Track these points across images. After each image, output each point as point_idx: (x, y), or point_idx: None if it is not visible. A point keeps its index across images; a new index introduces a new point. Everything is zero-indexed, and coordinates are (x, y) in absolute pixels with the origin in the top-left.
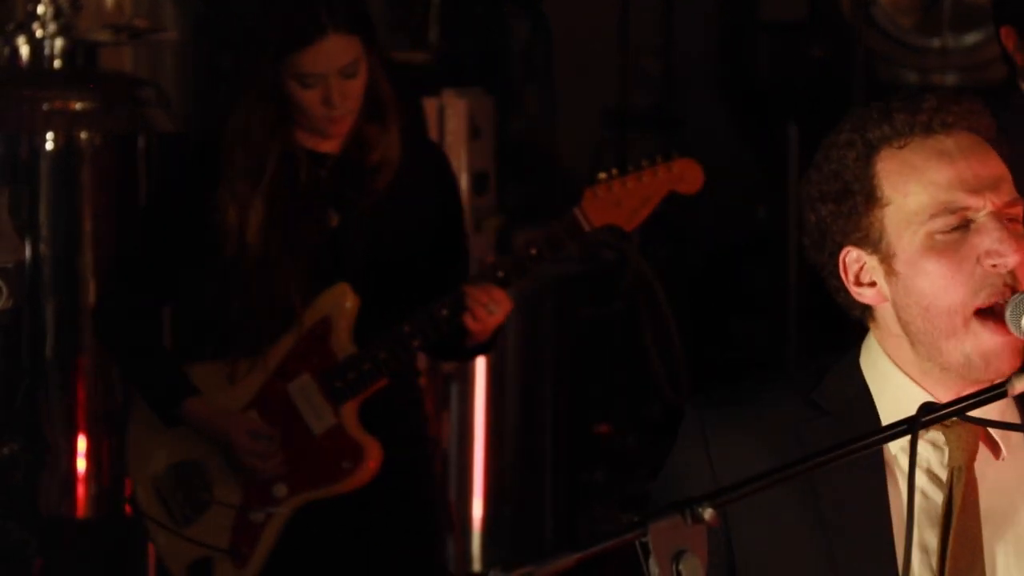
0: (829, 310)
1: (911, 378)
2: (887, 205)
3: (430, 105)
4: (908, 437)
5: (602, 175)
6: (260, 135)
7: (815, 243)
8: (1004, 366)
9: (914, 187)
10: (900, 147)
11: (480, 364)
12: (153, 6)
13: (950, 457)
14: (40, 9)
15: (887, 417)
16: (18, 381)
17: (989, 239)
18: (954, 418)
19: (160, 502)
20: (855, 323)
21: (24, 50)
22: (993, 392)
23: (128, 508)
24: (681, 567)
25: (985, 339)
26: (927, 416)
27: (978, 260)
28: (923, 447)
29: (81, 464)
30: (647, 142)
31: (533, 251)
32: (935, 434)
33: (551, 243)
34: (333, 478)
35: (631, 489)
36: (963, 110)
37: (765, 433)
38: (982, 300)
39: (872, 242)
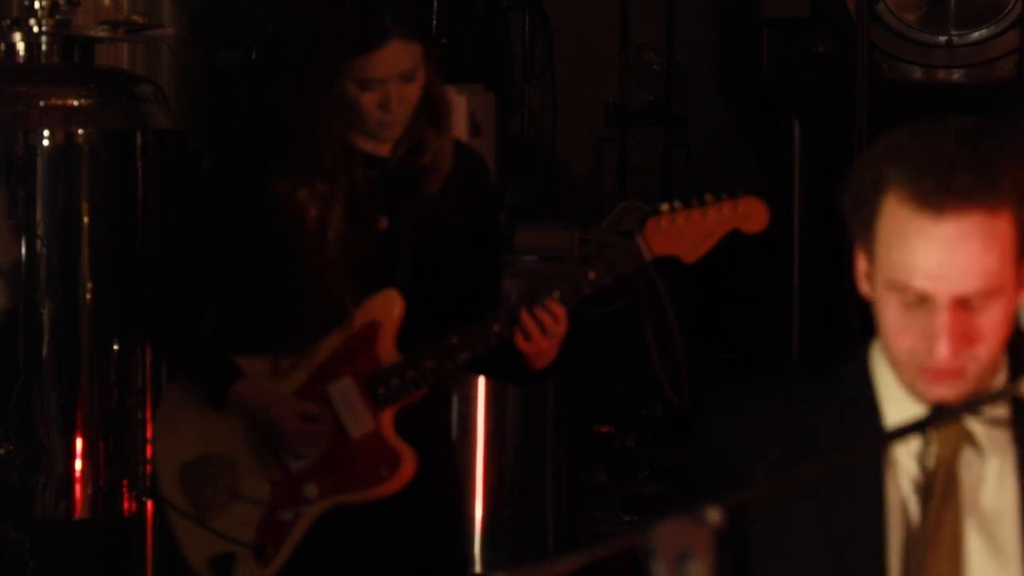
0: (832, 307)
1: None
2: (877, 239)
3: None
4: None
5: (665, 206)
6: (335, 135)
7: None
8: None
9: (894, 246)
10: (903, 201)
11: None
12: (150, 2)
13: (936, 454)
14: (36, 5)
15: (890, 412)
16: (14, 381)
17: (931, 326)
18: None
19: (185, 491)
20: (857, 320)
21: (20, 46)
22: (1003, 393)
23: (125, 507)
24: (686, 569)
25: (923, 392)
26: (940, 417)
27: (917, 337)
28: (909, 454)
29: (77, 465)
30: (649, 139)
31: (592, 276)
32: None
33: (610, 269)
34: (368, 484)
35: (632, 490)
36: (980, 190)
37: (777, 422)
38: (918, 363)
39: (868, 253)
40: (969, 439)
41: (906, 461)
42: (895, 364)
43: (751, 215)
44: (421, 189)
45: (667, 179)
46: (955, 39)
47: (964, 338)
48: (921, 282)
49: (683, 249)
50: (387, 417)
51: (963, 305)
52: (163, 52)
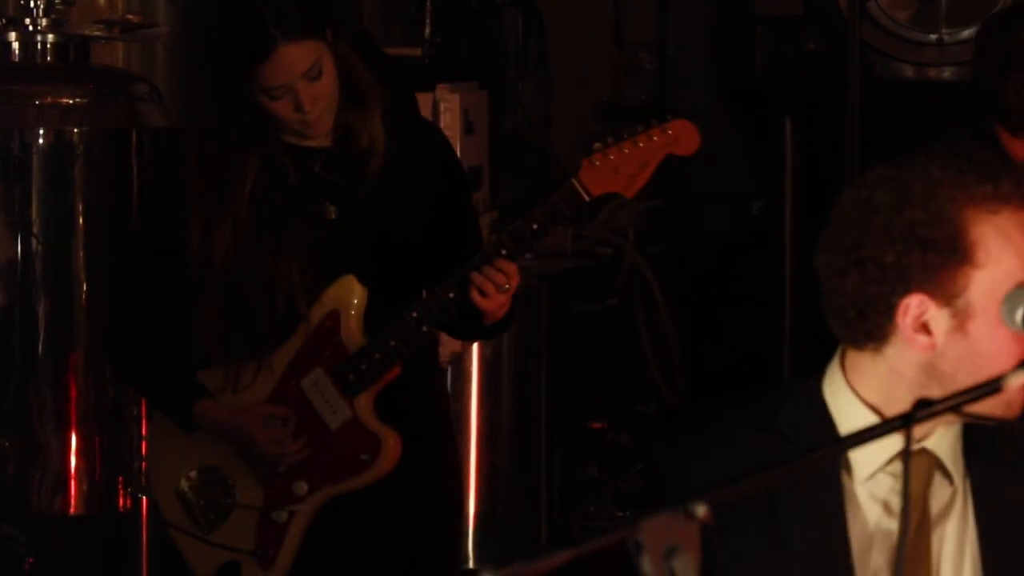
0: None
1: (872, 410)
2: (980, 267)
3: (424, 100)
4: (871, 469)
5: (597, 144)
6: (231, 149)
7: (873, 279)
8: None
9: (1009, 257)
10: (993, 212)
11: (474, 360)
12: (145, 1)
13: (908, 486)
14: (32, 4)
15: (857, 454)
16: (9, 377)
17: None
18: (914, 448)
19: (184, 510)
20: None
21: (16, 45)
22: (988, 388)
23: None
24: (674, 564)
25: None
26: (922, 411)
27: None
28: (883, 476)
29: (73, 461)
30: None
31: (534, 226)
32: (894, 465)
33: (551, 215)
34: (352, 471)
35: (626, 486)
36: None
37: (726, 462)
38: None
39: (946, 296)
40: (939, 466)
41: (867, 500)
42: (987, 398)
43: (682, 137)
44: (364, 172)
45: (660, 176)
46: (946, 37)
47: None
48: None
49: (620, 184)
50: (363, 402)
51: None
52: (158, 51)
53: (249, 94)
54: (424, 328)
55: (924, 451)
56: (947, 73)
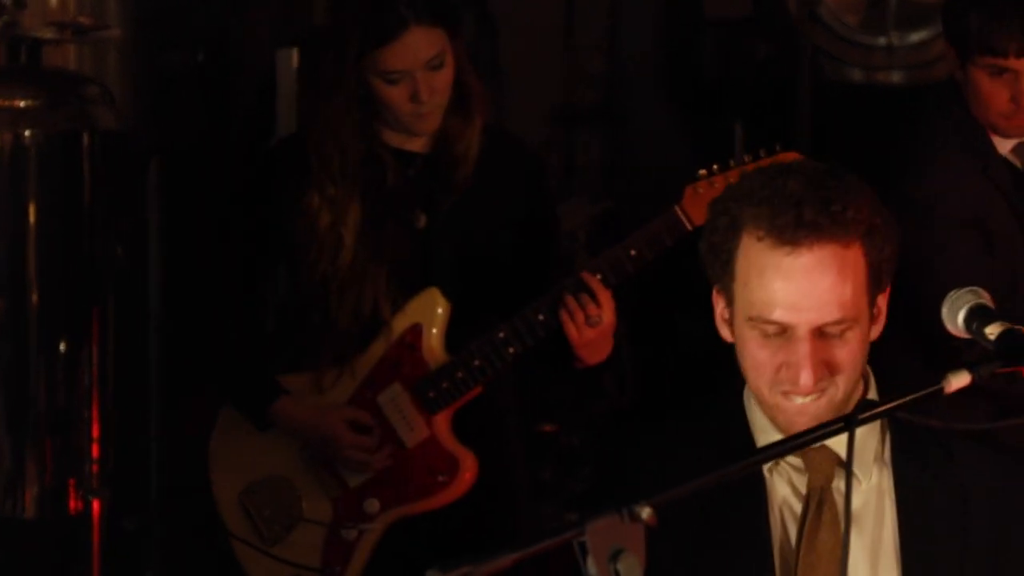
0: None
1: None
2: (736, 279)
3: None
4: (772, 463)
5: (702, 172)
6: (348, 137)
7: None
8: (803, 425)
9: (754, 284)
10: (760, 239)
11: None
12: (97, 4)
13: (809, 480)
14: None
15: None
16: None
17: (794, 355)
18: (814, 445)
19: (247, 520)
20: None
21: None
22: (930, 391)
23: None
24: (619, 566)
25: (786, 409)
26: (863, 414)
27: (779, 368)
28: (790, 471)
29: (25, 464)
30: (593, 140)
31: (633, 252)
32: (796, 459)
33: (651, 243)
34: (428, 492)
35: (577, 487)
36: (830, 222)
37: (674, 467)
38: (782, 390)
39: (726, 295)
40: (841, 464)
41: (781, 487)
42: (759, 399)
43: None
44: (455, 180)
45: (611, 179)
46: (895, 41)
47: (825, 365)
48: (781, 314)
49: None
50: (441, 421)
51: (821, 335)
52: (110, 54)
53: (364, 79)
54: (511, 350)
55: (824, 448)
56: (896, 76)
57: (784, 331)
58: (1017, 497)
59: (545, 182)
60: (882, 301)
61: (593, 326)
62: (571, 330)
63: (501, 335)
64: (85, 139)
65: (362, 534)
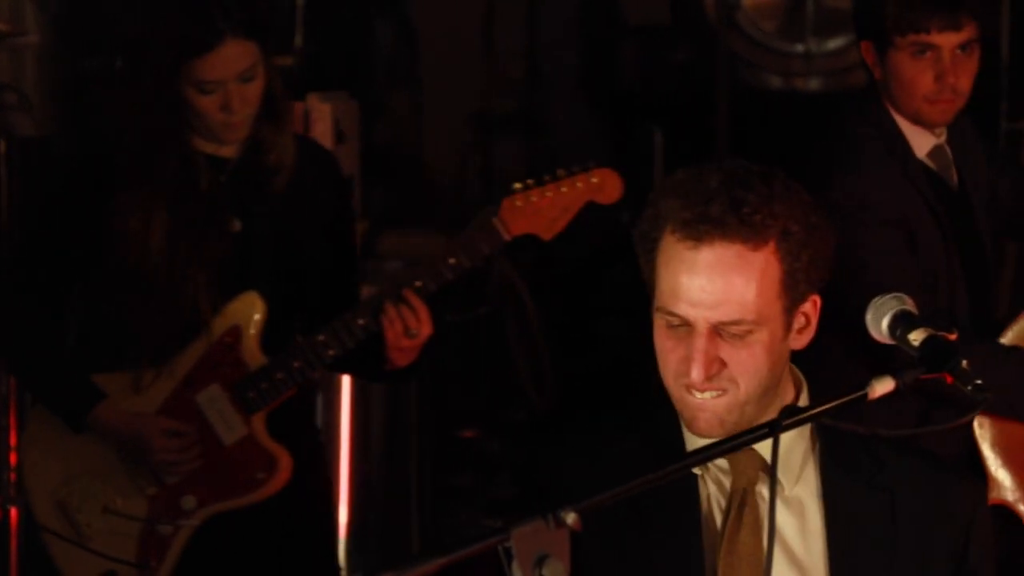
0: None
1: None
2: (655, 269)
3: (296, 109)
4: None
5: (517, 185)
6: (158, 142)
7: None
8: (705, 428)
9: (663, 274)
10: (672, 232)
11: None
12: (14, 9)
13: (732, 481)
14: None
15: (691, 444)
16: None
17: (689, 350)
18: (742, 449)
19: (62, 515)
20: None
21: None
22: (854, 396)
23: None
24: (544, 572)
25: (689, 403)
26: (788, 419)
27: (681, 360)
28: (719, 473)
29: None
30: (512, 147)
31: (452, 260)
32: (723, 462)
33: (469, 252)
34: (247, 488)
35: (496, 493)
36: (737, 222)
37: (604, 467)
38: (683, 383)
39: (651, 284)
40: (765, 468)
41: (711, 488)
42: (668, 391)
43: (605, 186)
44: (269, 188)
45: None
46: (812, 48)
47: (719, 363)
48: (681, 308)
49: (541, 226)
50: (259, 421)
51: (720, 333)
52: (27, 60)
53: (177, 88)
54: (330, 352)
55: (751, 451)
56: (813, 83)
57: (686, 324)
58: (942, 504)
59: (347, 189)
60: (810, 310)
61: (411, 338)
62: (390, 335)
63: (321, 338)
64: (2, 146)
65: (178, 529)
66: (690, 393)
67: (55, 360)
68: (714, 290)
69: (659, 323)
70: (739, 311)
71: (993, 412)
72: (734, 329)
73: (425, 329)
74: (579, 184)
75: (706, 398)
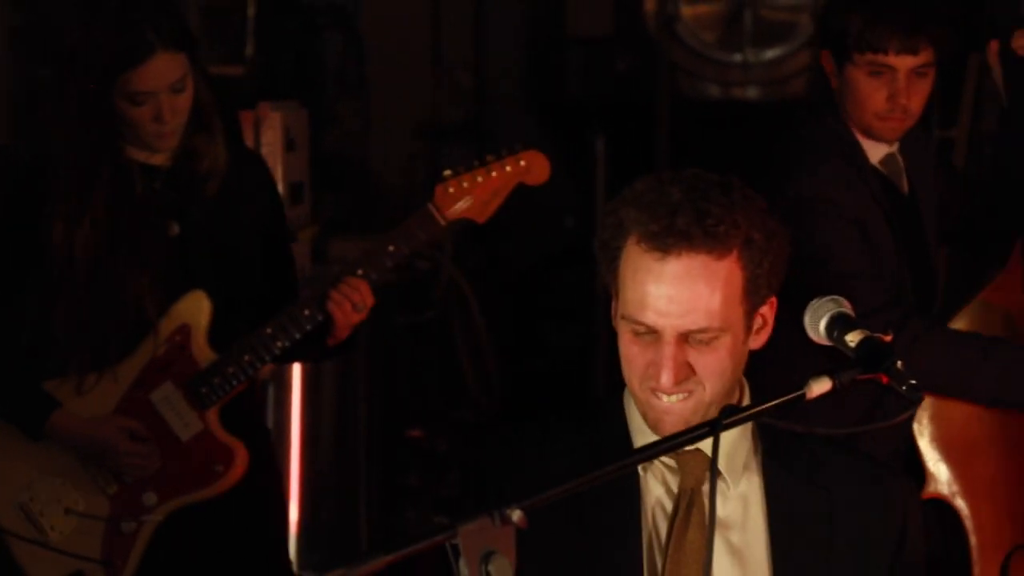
0: None
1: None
2: (620, 278)
3: (246, 118)
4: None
5: (448, 172)
6: (91, 152)
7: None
8: (671, 430)
9: (629, 284)
10: (637, 242)
11: (296, 370)
12: None
13: (681, 481)
14: None
15: (638, 443)
16: None
17: (656, 356)
18: (686, 448)
19: (25, 519)
20: None
21: None
22: (792, 396)
23: None
24: (490, 568)
25: (655, 407)
26: (728, 418)
27: (647, 365)
28: (665, 471)
29: None
30: (459, 155)
31: (390, 247)
32: (670, 460)
33: (407, 239)
34: (206, 482)
35: (444, 491)
36: (703, 234)
37: (550, 466)
38: (650, 386)
39: (613, 292)
40: (710, 467)
41: (655, 487)
42: (632, 394)
43: (533, 168)
44: (204, 193)
45: None
46: (750, 58)
47: (687, 368)
48: (649, 317)
49: (474, 210)
50: (213, 415)
51: (687, 339)
52: None
53: (109, 99)
54: (278, 344)
55: (698, 451)
56: (752, 92)
57: (653, 332)
58: (877, 501)
59: (275, 189)
60: (767, 312)
61: (360, 312)
62: (339, 315)
63: (268, 331)
64: None
65: (141, 526)
66: (656, 396)
67: (7, 370)
68: (681, 300)
69: (624, 330)
70: (705, 319)
71: (947, 395)
72: (700, 336)
73: (369, 300)
74: (508, 167)
75: (673, 401)
